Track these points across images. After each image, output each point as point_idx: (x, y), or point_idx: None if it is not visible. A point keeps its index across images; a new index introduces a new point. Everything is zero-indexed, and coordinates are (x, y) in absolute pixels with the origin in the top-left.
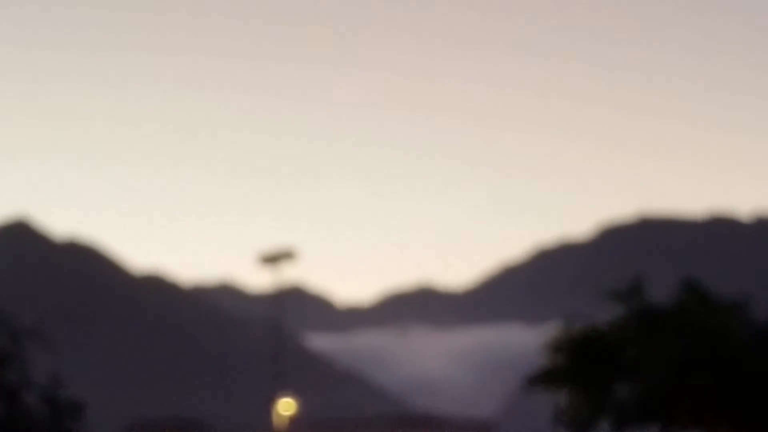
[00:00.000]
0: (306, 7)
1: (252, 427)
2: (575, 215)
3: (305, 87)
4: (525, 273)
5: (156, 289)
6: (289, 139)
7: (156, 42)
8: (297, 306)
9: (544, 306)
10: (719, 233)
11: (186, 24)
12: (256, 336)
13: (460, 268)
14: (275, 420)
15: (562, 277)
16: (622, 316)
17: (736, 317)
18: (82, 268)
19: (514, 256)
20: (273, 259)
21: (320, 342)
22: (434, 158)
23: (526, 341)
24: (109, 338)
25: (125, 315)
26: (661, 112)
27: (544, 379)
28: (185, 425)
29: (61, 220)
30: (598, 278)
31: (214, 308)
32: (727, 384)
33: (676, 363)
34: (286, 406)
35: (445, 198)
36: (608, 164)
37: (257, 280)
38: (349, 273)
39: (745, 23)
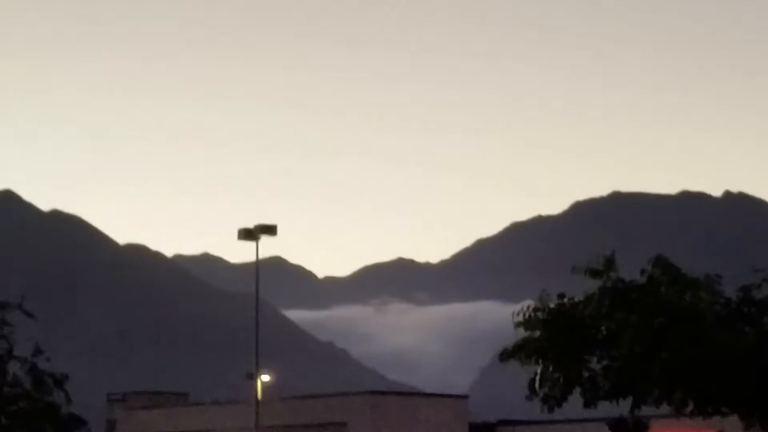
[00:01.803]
0: None
1: (230, 398)
2: (550, 193)
3: (283, 63)
4: (499, 247)
5: (139, 259)
6: (271, 115)
7: (134, 26)
8: (277, 279)
9: (518, 280)
10: (690, 208)
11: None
12: (236, 308)
13: (437, 243)
14: (253, 392)
15: (536, 252)
16: (596, 292)
17: (707, 294)
18: (67, 237)
19: (489, 231)
20: (252, 232)
21: (299, 315)
22: (412, 134)
23: (501, 315)
24: (92, 308)
25: (109, 284)
26: (635, 99)
27: (518, 353)
28: (168, 396)
29: (46, 196)
30: (571, 252)
31: (196, 279)
32: (696, 361)
33: (648, 339)
34: (264, 379)
35: (423, 173)
36: (583, 145)
37: (238, 252)
38: (328, 247)
39: (705, 19)
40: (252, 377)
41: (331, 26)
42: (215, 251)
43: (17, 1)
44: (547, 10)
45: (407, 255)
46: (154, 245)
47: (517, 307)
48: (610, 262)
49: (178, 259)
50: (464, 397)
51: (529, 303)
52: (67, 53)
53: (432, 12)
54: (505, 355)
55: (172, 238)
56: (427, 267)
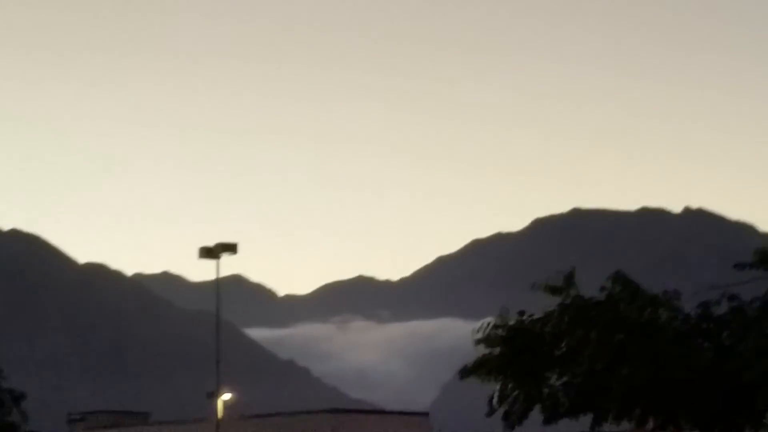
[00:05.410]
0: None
1: (191, 417)
2: (510, 210)
3: (245, 83)
4: (460, 264)
5: (99, 278)
6: (231, 134)
7: (98, 42)
8: (238, 298)
9: (479, 297)
10: (650, 224)
11: (118, 26)
12: (196, 326)
13: (398, 260)
14: (214, 410)
15: (496, 269)
16: (556, 308)
17: (666, 310)
18: (26, 256)
19: (449, 248)
20: (213, 251)
21: (260, 333)
22: (372, 152)
23: (462, 332)
24: (52, 326)
25: (68, 303)
26: (595, 112)
27: (478, 370)
28: (128, 416)
29: (5, 215)
30: (531, 269)
31: (156, 298)
32: (656, 378)
33: (607, 356)
34: (225, 397)
35: (383, 191)
36: (543, 162)
37: (198, 271)
38: (289, 265)
39: (672, 38)
40: (213, 396)
41: (294, 52)
42: (175, 270)
43: None
44: (508, 33)
45: (368, 273)
46: (114, 264)
47: (478, 323)
48: (569, 279)
49: (138, 277)
50: (425, 414)
51: (488, 320)
52: (23, 75)
53: (398, 38)
54: (465, 373)
55: (132, 257)
56: (387, 284)
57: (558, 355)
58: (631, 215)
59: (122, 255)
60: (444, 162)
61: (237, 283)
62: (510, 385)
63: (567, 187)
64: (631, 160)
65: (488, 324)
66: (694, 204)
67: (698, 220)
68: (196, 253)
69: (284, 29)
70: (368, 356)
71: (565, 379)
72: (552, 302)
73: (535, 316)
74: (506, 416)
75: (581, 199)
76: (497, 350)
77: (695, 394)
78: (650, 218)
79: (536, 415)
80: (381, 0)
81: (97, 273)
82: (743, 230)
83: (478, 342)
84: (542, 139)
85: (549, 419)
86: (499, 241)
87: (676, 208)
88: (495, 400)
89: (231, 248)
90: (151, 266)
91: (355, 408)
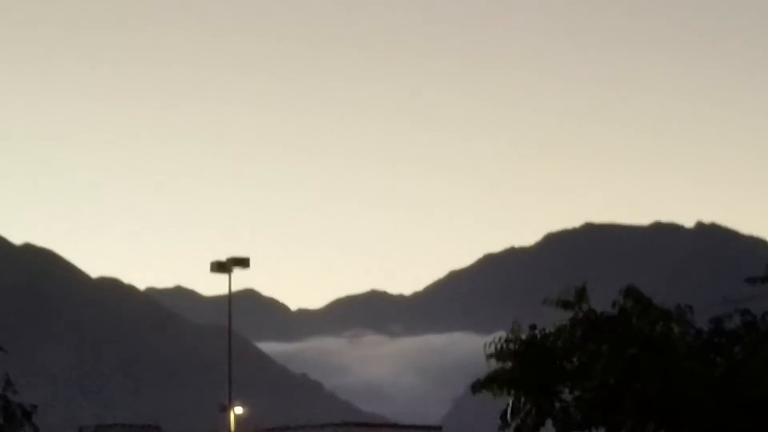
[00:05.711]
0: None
1: (204, 431)
2: (523, 225)
3: (256, 98)
4: (472, 279)
5: (112, 292)
6: (244, 149)
7: (111, 56)
8: (250, 312)
9: (491, 311)
10: (662, 238)
11: (129, 41)
12: (209, 340)
13: (410, 274)
14: (226, 424)
15: (508, 283)
16: (568, 323)
17: (678, 325)
18: (39, 271)
19: (462, 262)
20: (225, 265)
21: (273, 347)
22: (385, 167)
23: (474, 346)
24: (65, 340)
25: (81, 317)
26: (608, 126)
27: (490, 384)
28: (140, 429)
29: (18, 230)
30: (544, 283)
31: (168, 312)
32: (668, 393)
33: (620, 370)
34: (237, 411)
35: (396, 205)
36: (555, 177)
37: (210, 285)
38: (301, 279)
39: (688, 51)
40: (225, 410)
41: (311, 67)
42: (188, 284)
43: None
44: (521, 48)
45: (380, 287)
46: (126, 278)
47: (490, 338)
48: (581, 294)
49: (151, 292)
50: (438, 428)
51: (500, 334)
52: (35, 89)
53: (412, 51)
54: (477, 387)
55: (145, 271)
56: (400, 299)
57: (570, 369)
58: (643, 230)
59: (135, 269)
60: (457, 176)
61: (249, 297)
62: (522, 399)
63: (579, 201)
64: (644, 174)
65: (500, 338)
66: (707, 218)
67: (711, 235)
68: (208, 266)
69: (302, 43)
70: (381, 370)
71: (577, 393)
72: (564, 317)
73: (547, 331)
74: (518, 430)
75: (594, 213)
76: (509, 364)
77: (707, 408)
78: (663, 233)
79: (548, 429)
80: (393, 13)
81: (110, 287)
82: (756, 245)
83: (490, 356)
84: (554, 153)
85: None
86: (512, 255)
87: (689, 222)
88: (507, 414)
89: (243, 262)
90: (163, 280)
91: (367, 422)
